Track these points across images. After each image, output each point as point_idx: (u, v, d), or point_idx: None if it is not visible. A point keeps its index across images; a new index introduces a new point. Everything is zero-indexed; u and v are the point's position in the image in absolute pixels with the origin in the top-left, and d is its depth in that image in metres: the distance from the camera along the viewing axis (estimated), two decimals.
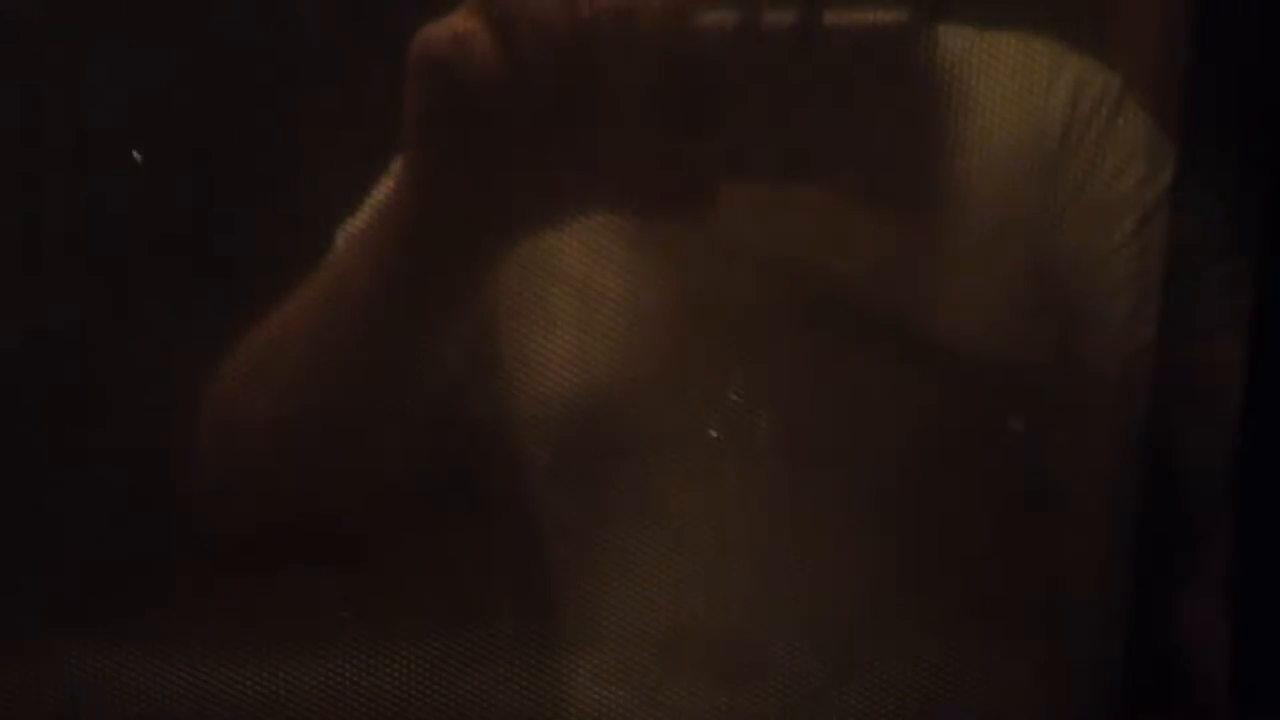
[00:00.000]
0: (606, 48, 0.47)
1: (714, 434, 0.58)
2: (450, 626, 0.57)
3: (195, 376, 0.58)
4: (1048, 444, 0.59)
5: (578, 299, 0.57)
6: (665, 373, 0.58)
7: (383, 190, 0.59)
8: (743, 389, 0.58)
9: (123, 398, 0.60)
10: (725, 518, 0.58)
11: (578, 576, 0.61)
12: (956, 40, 0.52)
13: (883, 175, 0.52)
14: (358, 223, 0.59)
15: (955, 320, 0.57)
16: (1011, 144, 0.56)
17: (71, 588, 0.62)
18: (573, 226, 0.55)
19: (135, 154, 0.60)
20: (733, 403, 0.58)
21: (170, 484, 0.58)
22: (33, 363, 0.64)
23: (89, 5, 0.61)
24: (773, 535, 0.59)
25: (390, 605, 0.59)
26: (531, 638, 0.60)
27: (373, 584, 0.59)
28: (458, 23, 0.48)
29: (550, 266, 0.57)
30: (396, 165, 0.58)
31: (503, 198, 0.50)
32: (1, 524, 0.61)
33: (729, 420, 0.58)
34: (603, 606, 0.60)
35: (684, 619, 0.59)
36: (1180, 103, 0.50)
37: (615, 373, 0.58)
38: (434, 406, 0.57)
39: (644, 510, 0.59)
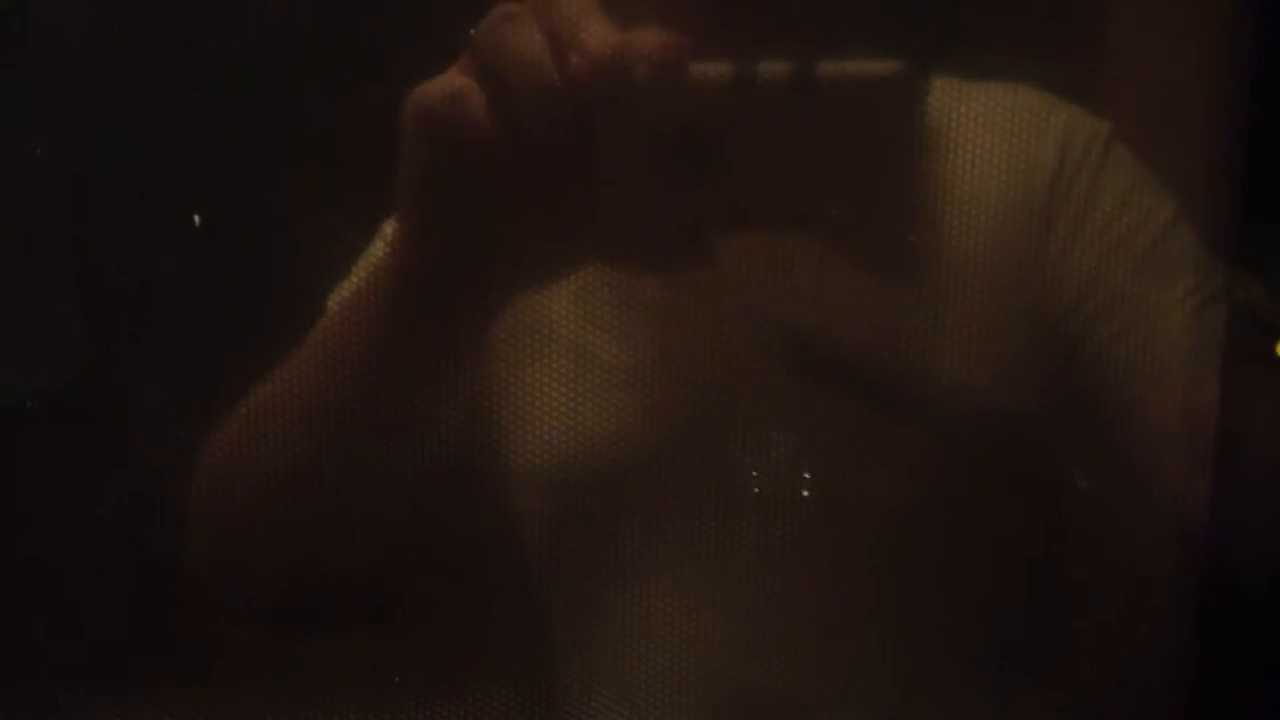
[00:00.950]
0: (602, 103, 0.46)
1: (756, 489, 0.57)
2: (456, 690, 0.57)
3: (195, 440, 0.57)
4: (1096, 502, 0.58)
5: (573, 361, 0.56)
6: (666, 434, 0.57)
7: (375, 252, 0.58)
8: (746, 449, 0.57)
9: (126, 462, 0.60)
10: (740, 577, 0.57)
11: (585, 637, 0.60)
12: (947, 93, 0.52)
13: (878, 228, 0.51)
14: (350, 285, 0.58)
15: (964, 372, 0.56)
16: (1003, 194, 0.56)
17: (79, 656, 0.62)
18: (566, 287, 0.55)
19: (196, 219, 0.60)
20: (737, 463, 0.57)
21: (175, 550, 0.58)
22: (32, 426, 0.63)
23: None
24: (783, 593, 0.57)
25: (396, 669, 0.58)
26: (544, 699, 0.60)
27: (377, 648, 0.58)
28: (452, 80, 0.47)
29: (545, 328, 0.56)
30: (388, 227, 0.57)
31: (499, 256, 0.49)
32: (9, 591, 0.61)
33: (735, 480, 0.57)
34: (612, 667, 0.59)
35: (698, 679, 0.58)
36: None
37: (614, 435, 0.57)
38: (434, 468, 0.55)
39: (655, 570, 0.58)
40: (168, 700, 0.57)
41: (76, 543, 0.61)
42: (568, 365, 0.56)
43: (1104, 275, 0.56)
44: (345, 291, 0.58)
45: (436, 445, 0.55)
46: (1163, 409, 0.54)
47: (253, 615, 0.58)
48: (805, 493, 0.56)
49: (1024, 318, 0.57)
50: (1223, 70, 0.51)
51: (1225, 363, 0.52)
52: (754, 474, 0.56)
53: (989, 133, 0.52)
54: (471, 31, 0.47)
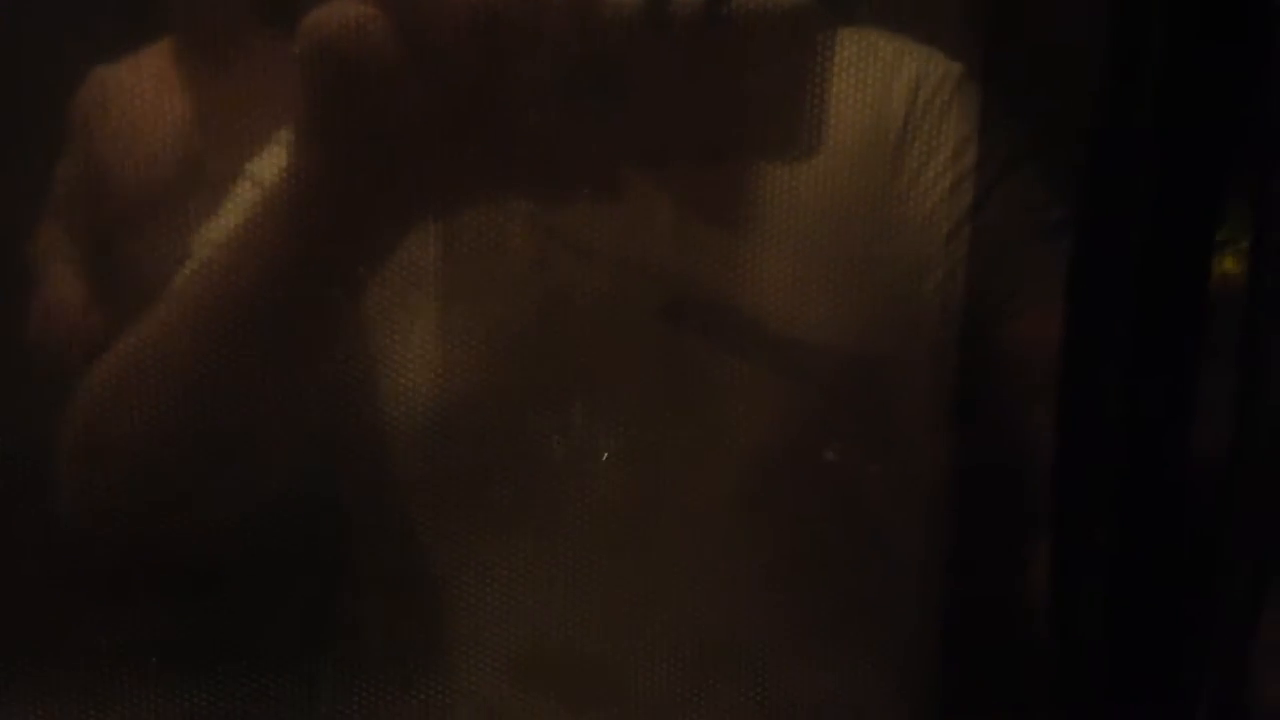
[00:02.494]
0: (510, 32, 0.46)
1: (559, 443, 0.57)
2: (318, 643, 0.57)
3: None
4: (871, 444, 0.60)
5: (439, 304, 0.56)
6: (529, 382, 0.58)
7: (243, 193, 0.58)
8: (593, 398, 0.57)
9: None
10: (580, 531, 0.58)
11: (442, 589, 0.60)
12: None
13: (735, 170, 0.53)
14: (221, 227, 0.57)
15: (813, 308, 0.57)
16: (856, 139, 0.57)
17: None
18: (436, 230, 0.54)
19: None
20: (583, 412, 0.58)
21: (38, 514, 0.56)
22: None
23: None
24: (627, 550, 0.58)
25: (258, 625, 0.57)
26: (397, 653, 0.59)
27: (239, 604, 0.57)
28: (349, 7, 0.46)
29: (413, 271, 0.55)
30: (254, 166, 0.57)
31: (400, 188, 0.48)
32: None
33: (579, 430, 0.58)
34: (463, 621, 0.59)
35: (539, 636, 0.58)
36: (985, 75, 0.54)
37: (478, 384, 0.57)
38: (312, 414, 0.55)
39: (500, 523, 0.58)
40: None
41: None
42: (434, 309, 0.56)
43: (944, 214, 0.58)
44: (214, 234, 0.57)
45: (318, 385, 0.55)
46: (991, 341, 0.56)
47: (116, 580, 0.56)
48: (669, 443, 0.57)
49: (875, 260, 0.58)
50: None
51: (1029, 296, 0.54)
52: (616, 424, 0.57)
53: (843, 78, 0.52)
54: None
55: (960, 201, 0.58)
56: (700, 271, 0.57)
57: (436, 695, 0.58)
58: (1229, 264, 0.45)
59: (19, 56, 0.53)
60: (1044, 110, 0.54)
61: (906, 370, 0.59)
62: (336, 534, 0.59)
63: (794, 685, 0.58)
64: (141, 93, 0.56)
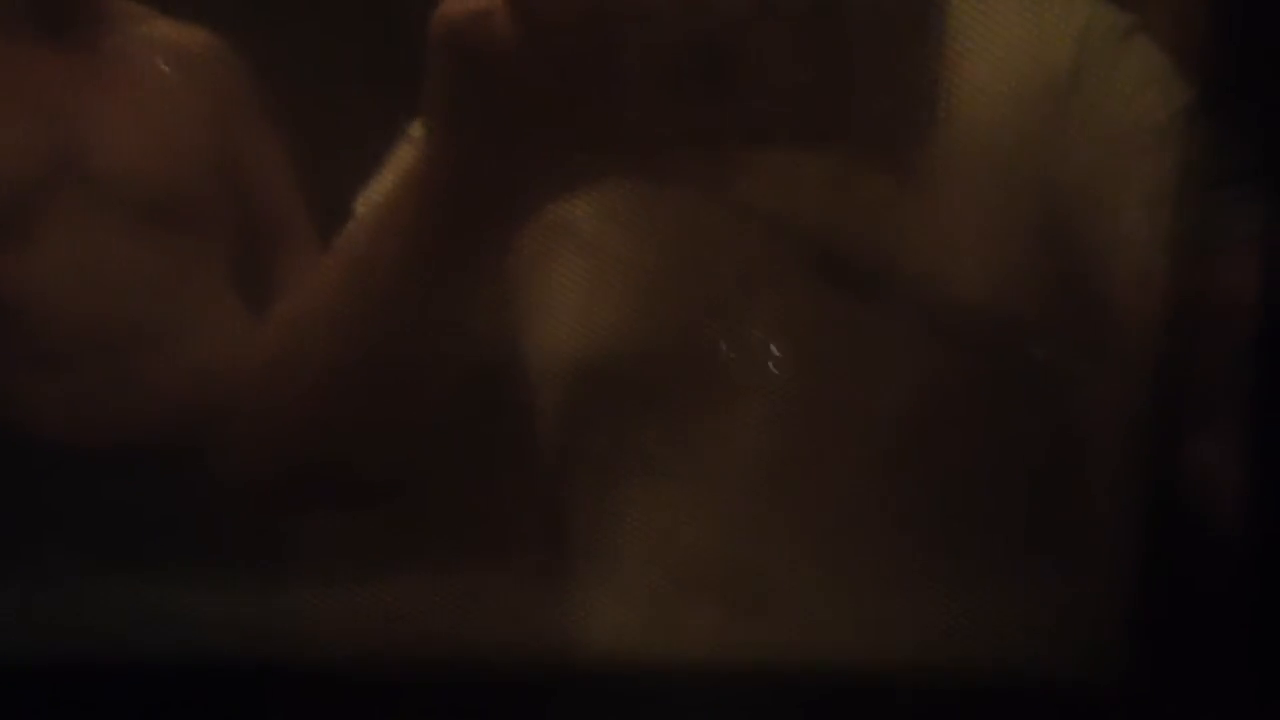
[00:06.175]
0: (623, 20, 0.47)
1: (762, 386, 0.58)
2: (476, 557, 0.60)
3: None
4: (1061, 381, 0.58)
5: (589, 257, 0.58)
6: (679, 328, 0.59)
7: (402, 155, 0.60)
8: (751, 337, 0.58)
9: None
10: (739, 460, 0.59)
11: (598, 510, 0.62)
12: None
13: (889, 126, 0.52)
14: (378, 190, 0.60)
15: (968, 264, 0.57)
16: (1021, 86, 0.56)
17: (124, 530, 0.72)
18: (587, 190, 0.56)
19: None
20: (741, 350, 0.58)
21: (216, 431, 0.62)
22: None
23: None
24: (784, 476, 0.59)
25: (421, 538, 0.61)
26: (554, 566, 0.62)
27: (403, 519, 0.61)
28: None
29: (562, 223, 0.57)
30: (414, 131, 0.59)
31: (522, 167, 0.51)
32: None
33: (743, 375, 0.59)
34: (620, 537, 0.61)
35: (701, 562, 0.60)
36: (1205, 22, 0.50)
37: (628, 324, 0.59)
38: (461, 361, 0.57)
39: (660, 448, 0.60)
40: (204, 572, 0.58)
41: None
42: (583, 261, 0.58)
43: (1114, 161, 0.56)
44: (374, 195, 0.60)
45: (462, 340, 0.57)
46: (1145, 290, 0.53)
47: (283, 491, 0.62)
48: (810, 390, 0.58)
49: (1041, 207, 0.57)
50: None
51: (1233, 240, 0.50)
52: (761, 371, 0.58)
53: (1008, 25, 0.52)
54: None
55: (1135, 147, 0.56)
56: (855, 225, 0.57)
57: (598, 592, 0.60)
58: None
59: None
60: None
61: (1078, 314, 0.57)
62: (499, 465, 0.62)
63: (948, 602, 0.57)
64: None
